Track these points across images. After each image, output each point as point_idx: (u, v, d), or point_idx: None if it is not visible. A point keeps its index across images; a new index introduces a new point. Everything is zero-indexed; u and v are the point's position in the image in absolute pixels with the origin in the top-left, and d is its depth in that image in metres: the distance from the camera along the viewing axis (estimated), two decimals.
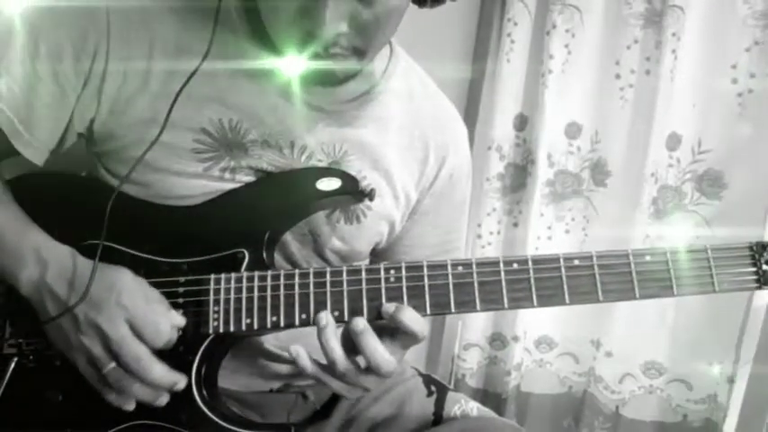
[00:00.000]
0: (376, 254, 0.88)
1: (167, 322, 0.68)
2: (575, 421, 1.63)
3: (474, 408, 0.86)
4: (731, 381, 1.42)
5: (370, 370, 0.67)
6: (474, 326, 1.69)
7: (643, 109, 1.43)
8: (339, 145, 0.77)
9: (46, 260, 0.69)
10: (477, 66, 1.66)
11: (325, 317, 0.67)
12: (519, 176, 1.63)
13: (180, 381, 0.68)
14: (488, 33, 1.62)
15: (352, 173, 0.77)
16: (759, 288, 0.68)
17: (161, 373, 0.67)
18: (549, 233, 1.61)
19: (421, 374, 0.92)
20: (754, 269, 0.67)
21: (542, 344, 1.68)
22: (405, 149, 0.82)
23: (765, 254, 0.67)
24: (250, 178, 0.75)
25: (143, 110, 0.72)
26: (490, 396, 1.69)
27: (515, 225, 1.66)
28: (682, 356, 1.50)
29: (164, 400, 0.68)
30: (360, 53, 0.69)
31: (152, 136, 0.70)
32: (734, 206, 1.37)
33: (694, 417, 1.50)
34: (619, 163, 1.51)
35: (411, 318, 0.67)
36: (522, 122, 1.62)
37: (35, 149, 0.74)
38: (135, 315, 0.67)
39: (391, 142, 0.81)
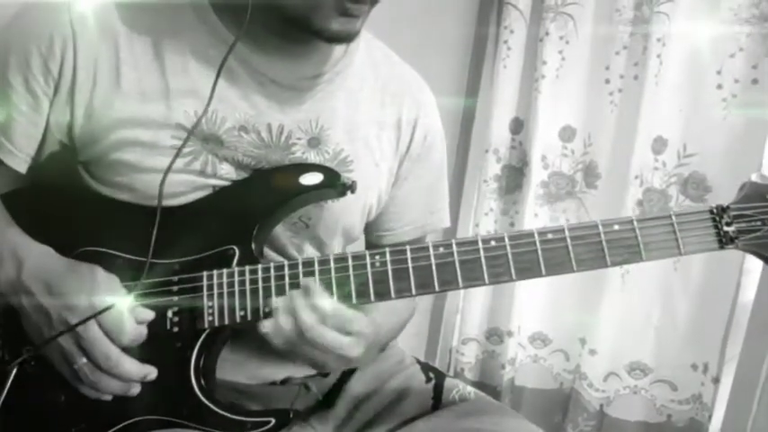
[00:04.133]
0: (369, 227, 0.90)
1: (132, 320, 0.70)
2: (563, 417, 1.66)
3: (471, 392, 0.88)
4: (716, 381, 1.42)
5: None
6: (472, 321, 1.73)
7: (630, 113, 1.45)
8: (314, 121, 0.79)
9: (21, 259, 0.71)
10: (474, 71, 1.71)
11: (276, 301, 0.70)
12: (515, 178, 1.67)
13: (150, 372, 0.71)
14: (485, 40, 1.68)
15: (331, 146, 0.80)
16: (721, 248, 0.70)
17: (130, 367, 0.69)
18: None
19: (419, 362, 0.94)
20: (716, 231, 0.70)
21: (536, 340, 1.71)
22: (377, 117, 0.84)
23: (725, 216, 0.70)
24: (230, 168, 0.76)
25: (119, 110, 0.73)
26: (487, 389, 1.71)
27: (512, 225, 1.70)
28: (667, 357, 1.51)
29: (135, 390, 0.71)
30: (375, 1, 0.71)
31: (133, 136, 0.72)
32: None
33: (679, 417, 1.52)
34: (607, 165, 1.54)
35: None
36: (517, 126, 1.66)
37: (15, 157, 0.76)
38: (102, 315, 0.68)
39: (364, 111, 0.83)
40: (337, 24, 0.70)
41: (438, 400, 0.86)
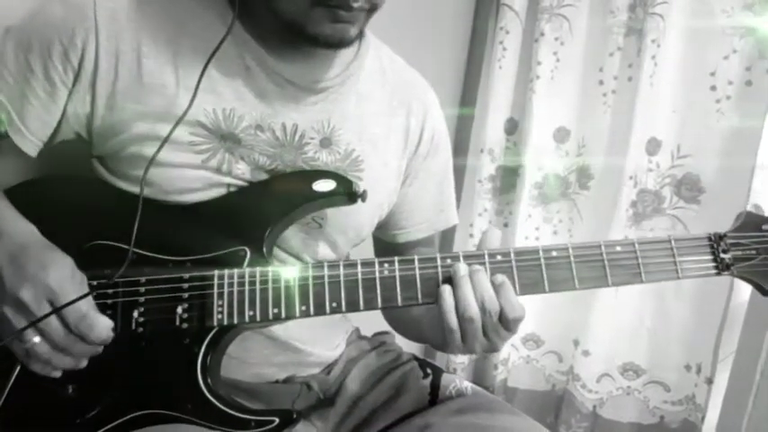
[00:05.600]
0: (380, 226, 0.92)
1: (103, 319, 0.70)
2: (555, 419, 1.66)
3: (468, 386, 0.89)
4: (709, 382, 1.43)
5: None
6: None
7: (624, 114, 1.46)
8: (326, 121, 0.81)
9: (1, 232, 0.72)
10: (470, 72, 1.72)
11: (463, 268, 0.71)
12: (509, 179, 1.68)
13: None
14: (483, 41, 1.68)
15: (342, 146, 0.82)
16: (718, 274, 0.74)
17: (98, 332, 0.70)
18: (537, 234, 1.66)
19: (417, 359, 0.95)
20: (713, 257, 0.74)
21: (529, 341, 1.72)
22: (387, 119, 0.87)
23: (722, 243, 0.74)
24: (245, 168, 0.78)
25: (140, 103, 0.74)
26: None
27: (506, 225, 1.71)
28: (660, 358, 1.52)
29: (84, 362, 0.71)
30: (373, 9, 0.73)
31: (152, 130, 0.74)
32: (711, 210, 1.39)
33: (672, 418, 1.52)
34: (601, 167, 1.54)
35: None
36: (512, 126, 1.67)
37: (25, 138, 0.77)
38: (55, 299, 0.68)
39: (373, 113, 0.85)
40: (330, 30, 0.72)
41: (435, 396, 0.88)
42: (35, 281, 0.69)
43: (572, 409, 1.60)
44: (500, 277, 0.71)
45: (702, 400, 1.44)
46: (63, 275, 0.70)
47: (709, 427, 1.44)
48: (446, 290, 0.71)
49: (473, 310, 0.70)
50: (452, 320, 0.70)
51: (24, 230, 0.74)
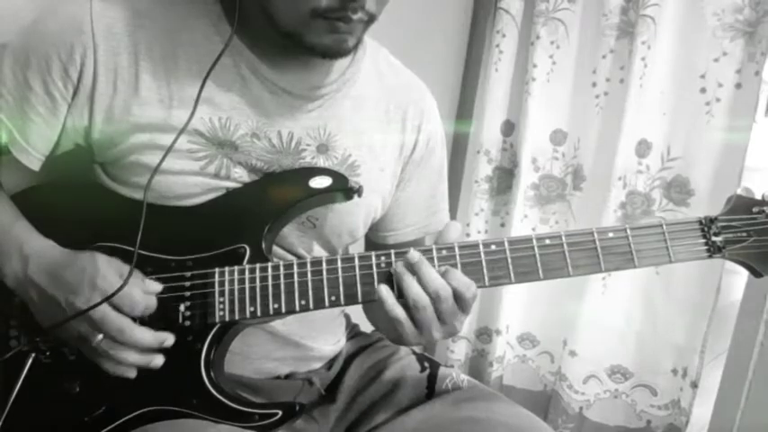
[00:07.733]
0: (372, 228, 0.93)
1: (139, 291, 0.72)
2: (544, 419, 1.66)
3: (464, 380, 0.90)
4: (694, 386, 1.43)
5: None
6: None
7: (616, 116, 1.47)
8: (322, 128, 0.82)
9: (27, 255, 0.74)
10: (469, 74, 1.74)
11: (417, 254, 0.72)
12: (506, 180, 1.70)
13: (167, 338, 0.73)
14: (480, 45, 1.70)
15: (339, 151, 0.82)
16: (710, 257, 0.74)
17: (146, 336, 0.72)
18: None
19: (414, 353, 0.96)
20: (705, 240, 0.74)
21: (525, 340, 1.73)
22: (383, 123, 0.87)
23: (713, 227, 0.74)
24: (243, 172, 0.79)
25: (138, 116, 0.75)
26: None
27: (502, 225, 1.73)
28: (647, 361, 1.52)
29: (159, 361, 0.73)
30: (371, 20, 0.74)
31: (151, 140, 0.75)
32: (700, 213, 1.35)
33: (658, 422, 1.52)
34: (592, 168, 1.55)
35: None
36: (508, 128, 1.69)
37: (29, 155, 0.78)
38: (109, 291, 0.71)
39: (370, 118, 0.86)
40: (329, 41, 0.72)
41: (432, 390, 0.89)
42: (83, 288, 0.71)
43: (558, 410, 1.61)
44: (442, 268, 0.72)
45: (687, 404, 1.45)
46: (102, 270, 0.72)
47: (702, 429, 1.44)
48: (382, 288, 0.72)
49: (423, 300, 0.71)
50: (396, 311, 0.72)
51: (46, 246, 0.75)
